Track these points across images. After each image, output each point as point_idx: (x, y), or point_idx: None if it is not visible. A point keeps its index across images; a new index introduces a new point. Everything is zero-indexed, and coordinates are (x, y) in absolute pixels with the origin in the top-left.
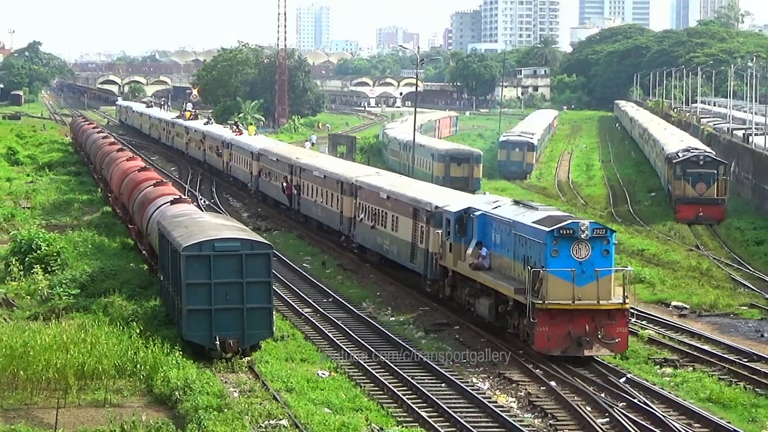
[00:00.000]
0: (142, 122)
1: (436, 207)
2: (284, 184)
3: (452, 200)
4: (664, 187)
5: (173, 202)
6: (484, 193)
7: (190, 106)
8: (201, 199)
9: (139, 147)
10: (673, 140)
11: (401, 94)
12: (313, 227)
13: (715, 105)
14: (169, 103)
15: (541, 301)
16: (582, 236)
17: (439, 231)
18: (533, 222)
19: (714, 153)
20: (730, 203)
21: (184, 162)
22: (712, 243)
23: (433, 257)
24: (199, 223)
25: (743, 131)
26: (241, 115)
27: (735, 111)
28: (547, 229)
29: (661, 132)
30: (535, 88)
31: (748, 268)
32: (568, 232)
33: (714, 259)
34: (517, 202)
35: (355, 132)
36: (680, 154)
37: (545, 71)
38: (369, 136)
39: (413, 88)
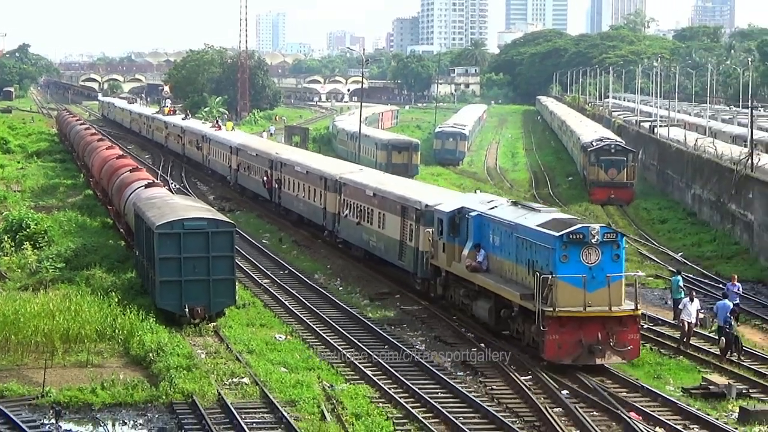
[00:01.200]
0: (123, 117)
1: (426, 206)
2: (264, 178)
3: (443, 199)
4: (580, 172)
5: (147, 186)
6: (476, 192)
7: (168, 102)
8: (172, 183)
9: (116, 137)
10: (588, 131)
11: (349, 90)
12: (293, 219)
13: (624, 100)
14: (147, 99)
15: (551, 309)
16: (592, 241)
17: (430, 230)
18: (538, 225)
19: (624, 142)
20: (637, 186)
21: (157, 151)
22: (622, 221)
23: (424, 256)
24: (170, 204)
25: (649, 123)
26: (207, 108)
27: (642, 105)
28: (557, 234)
29: (578, 124)
30: (467, 85)
31: (653, 244)
32: (578, 236)
33: (624, 235)
34: (515, 203)
35: (308, 124)
36: (594, 144)
37: (475, 70)
38: (320, 127)
39: (359, 85)
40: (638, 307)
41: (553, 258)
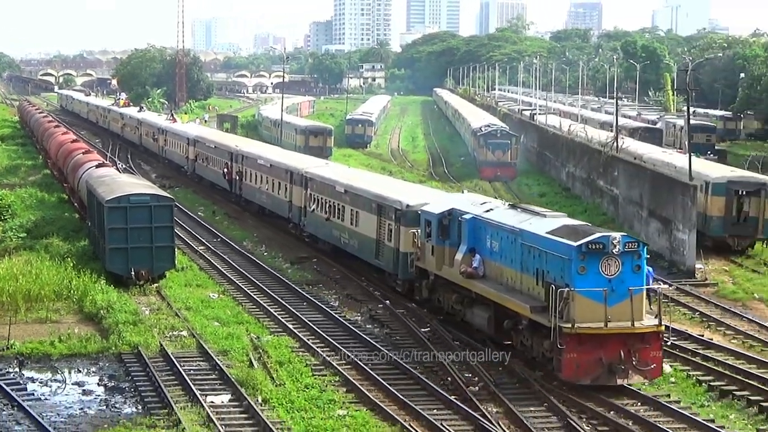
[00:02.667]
0: (81, 108)
1: (408, 206)
2: (225, 170)
3: (426, 199)
4: (470, 153)
5: (98, 166)
6: (463, 191)
7: (123, 96)
8: (119, 164)
9: (71, 124)
10: (478, 118)
11: (272, 83)
12: (253, 210)
13: (508, 92)
14: (104, 92)
15: (569, 325)
16: (613, 251)
17: (414, 231)
18: (549, 233)
19: (508, 128)
20: (520, 165)
21: (107, 137)
22: (507, 195)
23: (408, 257)
24: (117, 182)
25: (530, 112)
26: (150, 99)
27: (523, 96)
28: (574, 244)
29: (469, 112)
30: (373, 79)
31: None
32: (597, 247)
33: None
34: (513, 206)
35: (237, 112)
36: (483, 129)
37: (381, 66)
38: (248, 115)
39: (281, 79)
40: (662, 322)
41: (570, 269)
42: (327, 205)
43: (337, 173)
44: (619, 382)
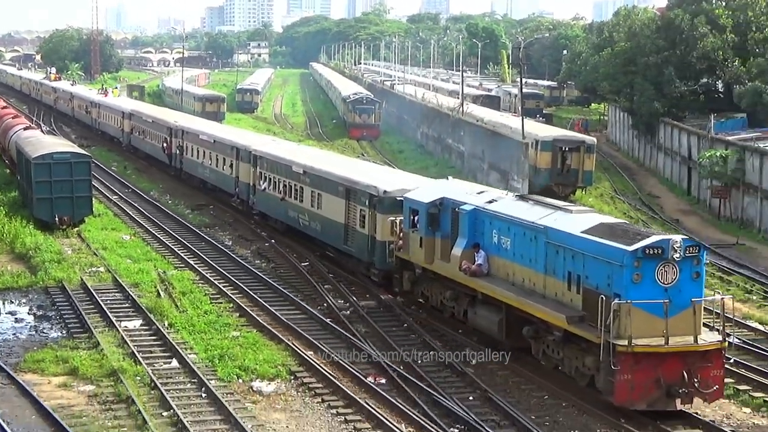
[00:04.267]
0: (14, 81)
1: (386, 191)
2: (164, 144)
3: (402, 184)
4: (341, 117)
5: (25, 128)
6: (447, 178)
7: (54, 70)
8: (44, 127)
9: (2, 94)
10: (347, 88)
11: (173, 58)
12: (195, 184)
13: (372, 65)
14: (36, 67)
15: (625, 343)
16: (674, 257)
17: (392, 218)
18: (586, 232)
19: (372, 95)
20: (382, 127)
21: (34, 104)
22: (372, 151)
23: (386, 246)
24: (42, 142)
25: (390, 82)
26: (69, 72)
27: (385, 69)
28: (630, 249)
29: (339, 82)
30: (259, 55)
31: (394, 166)
32: (655, 252)
33: (373, 162)
34: (522, 197)
35: (144, 83)
36: (351, 96)
37: (265, 44)
38: (153, 85)
39: (181, 55)
40: (727, 339)
41: (622, 277)
42: (282, 185)
43: (292, 152)
44: (680, 407)
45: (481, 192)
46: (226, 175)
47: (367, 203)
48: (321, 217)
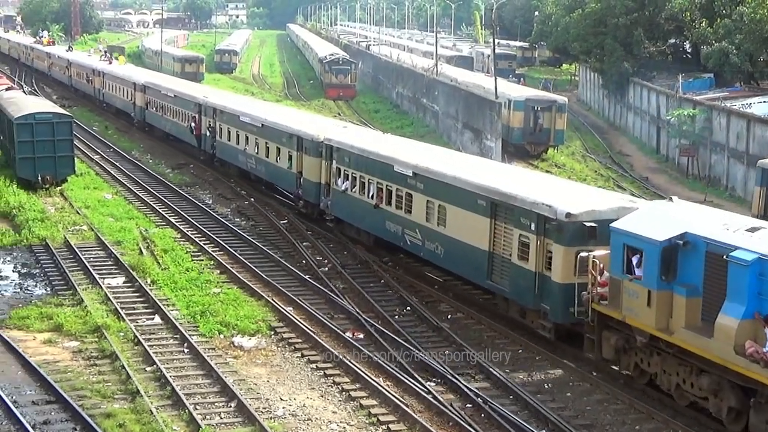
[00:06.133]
0: (2, 45)
1: (569, 214)
2: (193, 124)
3: (589, 203)
4: (318, 77)
5: (8, 89)
6: (671, 199)
7: (46, 34)
8: (26, 88)
9: None
10: (324, 48)
11: (153, 20)
12: (232, 173)
13: (348, 27)
14: (24, 30)
15: None
16: None
17: (582, 253)
18: None
19: (348, 56)
20: (358, 87)
21: (14, 66)
22: (348, 111)
23: (568, 292)
24: (25, 102)
25: (366, 43)
26: (50, 33)
27: (361, 30)
28: None
29: (316, 43)
30: (237, 17)
31: (371, 126)
32: None
33: (350, 121)
34: None
35: (124, 44)
36: (328, 57)
37: (243, 5)
38: (133, 46)
39: (160, 16)
40: None
41: None
42: (373, 187)
43: (383, 145)
44: None
45: (755, 228)
46: (283, 170)
47: (533, 228)
48: (445, 238)
